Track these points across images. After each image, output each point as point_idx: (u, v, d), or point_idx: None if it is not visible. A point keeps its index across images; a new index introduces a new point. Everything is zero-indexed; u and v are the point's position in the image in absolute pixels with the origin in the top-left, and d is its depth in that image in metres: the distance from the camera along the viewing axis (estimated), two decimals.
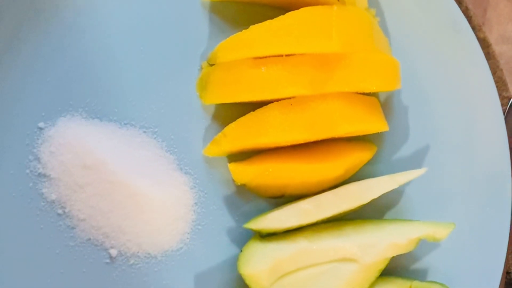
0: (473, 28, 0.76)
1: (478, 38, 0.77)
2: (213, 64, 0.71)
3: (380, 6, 0.76)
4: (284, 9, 0.70)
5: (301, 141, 0.70)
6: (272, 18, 0.68)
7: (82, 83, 0.71)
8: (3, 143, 0.70)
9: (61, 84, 0.71)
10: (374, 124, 0.71)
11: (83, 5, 0.71)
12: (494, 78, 0.77)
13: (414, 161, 0.76)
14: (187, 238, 0.72)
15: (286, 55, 0.68)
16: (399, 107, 0.76)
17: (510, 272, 0.80)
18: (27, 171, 0.69)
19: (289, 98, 0.68)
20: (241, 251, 0.69)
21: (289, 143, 0.70)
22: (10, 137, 0.70)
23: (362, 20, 0.70)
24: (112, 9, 0.72)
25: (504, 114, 0.78)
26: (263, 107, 0.69)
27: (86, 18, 0.71)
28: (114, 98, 0.72)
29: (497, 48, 0.83)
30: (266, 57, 0.68)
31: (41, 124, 0.70)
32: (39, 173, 0.69)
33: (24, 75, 0.70)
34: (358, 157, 0.73)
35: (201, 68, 0.73)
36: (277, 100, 0.69)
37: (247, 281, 0.67)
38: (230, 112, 0.72)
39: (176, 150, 0.72)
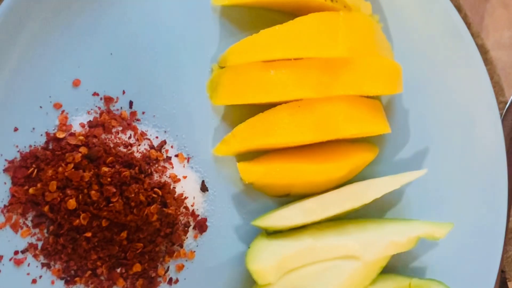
0: (472, 35, 0.78)
1: (476, 44, 0.78)
2: (224, 67, 0.73)
3: (383, 12, 0.77)
4: (292, 14, 0.72)
5: (307, 142, 0.71)
6: (281, 23, 0.70)
7: (98, 84, 0.72)
8: None
9: (77, 86, 0.72)
10: (377, 126, 0.73)
11: (99, 10, 0.73)
12: (491, 83, 0.78)
13: (414, 163, 0.78)
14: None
15: (294, 59, 0.69)
16: (401, 110, 0.78)
17: (504, 271, 0.82)
18: None
19: (297, 100, 0.70)
20: (249, 247, 0.71)
21: (296, 144, 0.72)
22: None
23: (366, 26, 0.72)
24: (126, 14, 0.73)
25: (501, 117, 0.80)
26: (272, 108, 0.70)
27: (102, 22, 0.72)
28: (128, 99, 0.73)
29: (493, 53, 0.84)
30: (275, 60, 0.69)
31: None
32: None
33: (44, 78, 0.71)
34: (361, 158, 0.75)
35: (212, 70, 0.74)
36: (285, 102, 0.70)
37: (254, 276, 0.69)
38: (239, 113, 0.74)
39: (187, 149, 0.74)
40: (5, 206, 0.68)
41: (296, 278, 0.71)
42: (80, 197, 0.67)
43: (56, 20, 0.70)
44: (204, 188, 0.73)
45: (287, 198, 0.75)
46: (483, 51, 0.80)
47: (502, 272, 0.81)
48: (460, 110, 0.78)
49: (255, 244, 0.71)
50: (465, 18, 0.79)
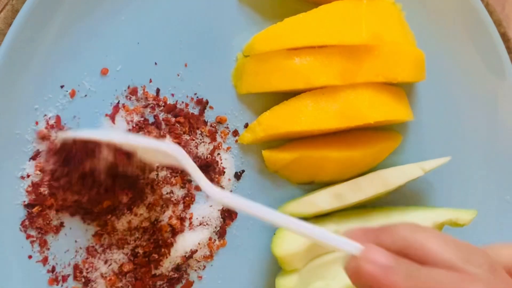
0: (494, 23, 0.78)
1: (499, 33, 0.78)
2: (248, 55, 0.73)
3: (406, 0, 0.76)
4: (316, 3, 0.72)
5: (332, 130, 0.71)
6: (305, 11, 0.70)
7: (125, 73, 0.73)
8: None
9: (106, 74, 0.72)
10: (401, 113, 0.73)
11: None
12: None
13: (437, 150, 0.78)
14: None
15: (319, 47, 0.70)
16: (423, 98, 0.78)
17: None
18: None
19: (321, 87, 0.70)
20: (274, 234, 0.71)
21: (320, 132, 0.72)
22: None
23: (390, 14, 0.73)
24: (153, 4, 0.73)
25: None
26: (296, 96, 0.71)
27: (129, 12, 0.73)
28: (154, 88, 0.73)
29: None
30: (299, 48, 0.70)
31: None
32: None
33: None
34: (385, 146, 0.75)
35: (237, 59, 0.74)
36: (310, 90, 0.71)
37: (281, 263, 0.69)
38: (264, 101, 0.74)
39: None
40: None
41: (321, 264, 0.71)
42: None
43: (83, 9, 0.71)
44: (237, 176, 0.74)
45: (311, 185, 0.76)
46: (506, 39, 0.80)
47: None
48: (482, 97, 0.78)
49: (281, 230, 0.71)
50: (486, 7, 0.79)
